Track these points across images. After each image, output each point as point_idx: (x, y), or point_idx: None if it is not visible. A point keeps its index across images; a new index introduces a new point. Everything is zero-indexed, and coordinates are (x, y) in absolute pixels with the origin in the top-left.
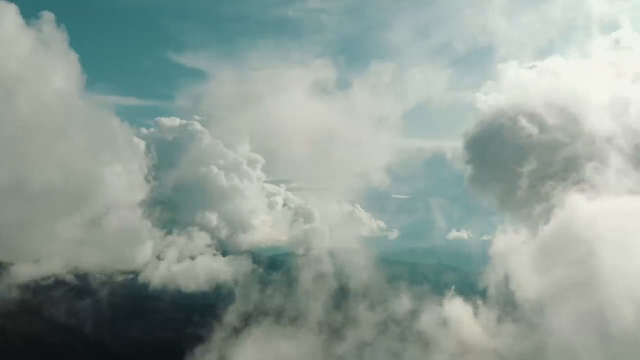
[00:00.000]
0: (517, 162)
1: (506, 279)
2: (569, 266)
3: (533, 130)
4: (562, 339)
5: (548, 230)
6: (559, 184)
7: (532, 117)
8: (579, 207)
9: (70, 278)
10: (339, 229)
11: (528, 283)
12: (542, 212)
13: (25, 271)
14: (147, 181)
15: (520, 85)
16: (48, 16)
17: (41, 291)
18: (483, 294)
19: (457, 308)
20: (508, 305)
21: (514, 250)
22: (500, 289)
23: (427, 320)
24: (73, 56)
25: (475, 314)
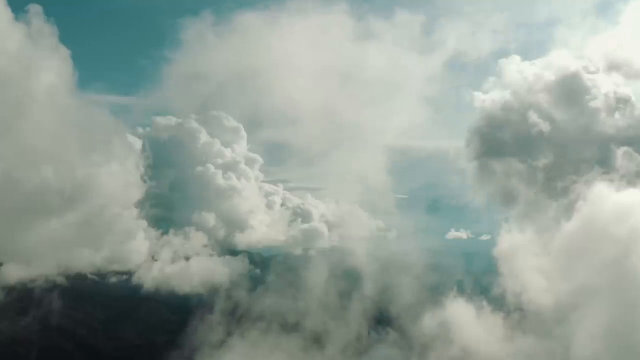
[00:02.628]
0: (528, 157)
1: (514, 281)
2: (597, 267)
3: (544, 124)
4: (588, 352)
5: (570, 227)
6: (580, 177)
7: (541, 111)
8: (606, 200)
9: (60, 279)
10: (337, 228)
11: (544, 286)
12: (562, 208)
13: (14, 272)
14: (144, 180)
15: (524, 80)
16: (35, 9)
17: (31, 293)
18: (488, 296)
19: (459, 310)
20: (517, 309)
21: (521, 250)
22: (508, 291)
23: (428, 322)
24: (64, 52)
25: (479, 316)
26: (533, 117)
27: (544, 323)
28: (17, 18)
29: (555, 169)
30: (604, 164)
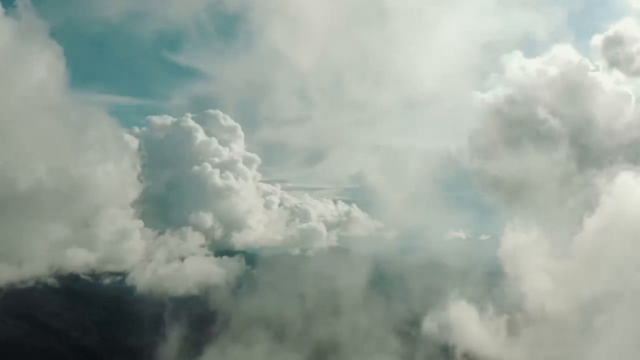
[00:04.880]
0: (537, 153)
1: (519, 282)
2: (622, 269)
3: (554, 120)
4: None
5: (591, 224)
6: (602, 169)
7: (549, 106)
8: (633, 193)
9: (52, 281)
10: (336, 228)
11: (554, 289)
12: (579, 205)
13: (5, 273)
14: (140, 180)
15: (527, 76)
16: (24, 3)
17: (22, 294)
18: (491, 297)
19: (461, 312)
20: (522, 312)
21: (527, 250)
22: (513, 293)
23: (429, 325)
24: (56, 48)
25: (482, 318)
26: (542, 112)
27: (559, 329)
28: (6, 13)
29: (571, 164)
30: (630, 153)
